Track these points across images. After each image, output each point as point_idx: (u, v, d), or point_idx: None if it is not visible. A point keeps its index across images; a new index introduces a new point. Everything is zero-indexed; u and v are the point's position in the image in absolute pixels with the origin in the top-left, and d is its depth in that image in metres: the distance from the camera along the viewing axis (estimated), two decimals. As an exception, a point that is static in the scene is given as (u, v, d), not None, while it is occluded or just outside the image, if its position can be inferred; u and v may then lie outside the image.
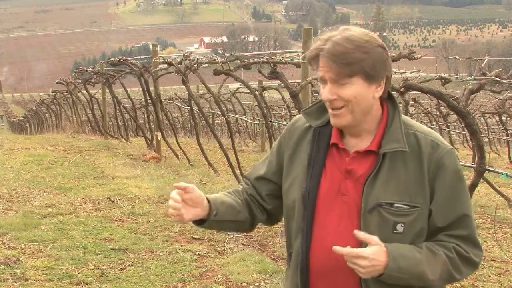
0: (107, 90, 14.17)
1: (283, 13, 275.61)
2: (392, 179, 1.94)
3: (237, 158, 8.71)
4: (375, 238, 1.87)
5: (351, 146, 2.02)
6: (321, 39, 1.94)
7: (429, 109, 15.55)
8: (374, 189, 1.94)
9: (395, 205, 1.92)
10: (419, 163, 1.94)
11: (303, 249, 2.04)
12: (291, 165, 2.14)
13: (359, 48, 1.88)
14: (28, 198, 7.32)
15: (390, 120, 1.99)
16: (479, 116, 16.84)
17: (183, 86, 9.19)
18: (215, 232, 6.14)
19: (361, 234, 1.87)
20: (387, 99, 2.03)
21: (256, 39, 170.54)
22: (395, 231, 1.92)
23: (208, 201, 2.12)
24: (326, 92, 1.93)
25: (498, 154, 16.62)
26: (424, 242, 1.96)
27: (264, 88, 12.07)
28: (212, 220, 2.13)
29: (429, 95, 6.19)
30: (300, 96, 5.59)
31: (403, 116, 2.04)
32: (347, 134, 2.04)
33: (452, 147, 1.99)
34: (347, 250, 1.85)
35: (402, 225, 1.92)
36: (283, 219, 2.25)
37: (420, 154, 1.94)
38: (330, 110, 1.97)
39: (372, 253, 1.84)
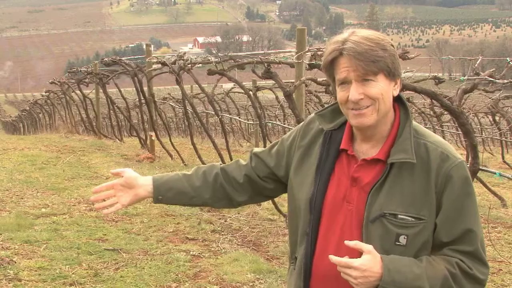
0: (101, 90, 14.14)
1: (277, 13, 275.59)
2: (398, 190, 1.90)
3: (231, 158, 8.71)
4: (367, 247, 1.84)
5: (361, 153, 2.00)
6: (335, 42, 1.92)
7: (422, 109, 15.58)
8: (378, 199, 1.91)
9: (399, 216, 1.89)
10: (427, 175, 1.90)
11: (307, 254, 2.03)
12: (301, 166, 2.12)
13: (379, 46, 1.88)
14: (22, 198, 7.29)
15: (402, 128, 1.96)
16: (473, 116, 16.87)
17: (177, 86, 9.18)
18: (209, 232, 6.14)
19: (352, 243, 1.84)
20: (398, 103, 2.00)
21: (250, 39, 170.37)
22: (397, 243, 1.89)
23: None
24: (353, 92, 1.88)
25: (492, 154, 16.67)
26: (429, 255, 1.93)
27: (258, 88, 12.05)
28: (162, 200, 2.28)
29: (423, 95, 6.20)
30: (294, 96, 5.59)
31: (416, 124, 2.01)
32: (360, 138, 2.00)
33: (462, 159, 1.94)
34: (338, 259, 1.83)
35: (405, 237, 1.89)
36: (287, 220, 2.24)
37: (429, 166, 1.90)
38: (352, 111, 1.92)
39: (363, 264, 1.81)
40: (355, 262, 1.81)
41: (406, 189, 1.90)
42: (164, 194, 2.27)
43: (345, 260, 1.82)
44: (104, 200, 2.27)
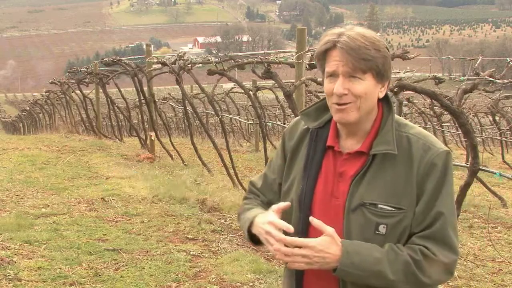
0: (101, 90, 14.15)
1: (277, 13, 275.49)
2: (379, 180, 1.92)
3: (231, 158, 8.71)
4: (328, 229, 1.85)
5: (346, 148, 2.01)
6: (331, 34, 1.93)
7: (423, 108, 15.60)
8: (359, 189, 1.93)
9: (379, 206, 1.90)
10: (408, 166, 1.92)
11: None
12: (290, 167, 2.13)
13: (373, 46, 1.89)
14: (22, 198, 7.30)
15: (384, 121, 1.98)
16: (473, 115, 16.89)
17: (177, 86, 9.19)
18: (209, 232, 6.14)
19: (315, 221, 1.86)
20: (382, 100, 2.01)
21: (250, 39, 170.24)
22: (377, 232, 1.90)
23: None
24: (338, 86, 1.90)
25: (492, 154, 16.68)
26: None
27: (258, 88, 12.05)
28: None
29: (423, 95, 6.21)
30: (294, 96, 5.60)
31: (398, 117, 2.03)
32: (344, 134, 2.02)
33: (445, 149, 1.95)
34: (293, 239, 1.85)
35: (385, 226, 1.90)
36: None
37: (411, 157, 1.92)
38: (335, 106, 1.93)
39: (319, 243, 1.83)
40: (311, 242, 1.83)
41: (388, 179, 1.92)
42: None
43: (301, 239, 1.84)
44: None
